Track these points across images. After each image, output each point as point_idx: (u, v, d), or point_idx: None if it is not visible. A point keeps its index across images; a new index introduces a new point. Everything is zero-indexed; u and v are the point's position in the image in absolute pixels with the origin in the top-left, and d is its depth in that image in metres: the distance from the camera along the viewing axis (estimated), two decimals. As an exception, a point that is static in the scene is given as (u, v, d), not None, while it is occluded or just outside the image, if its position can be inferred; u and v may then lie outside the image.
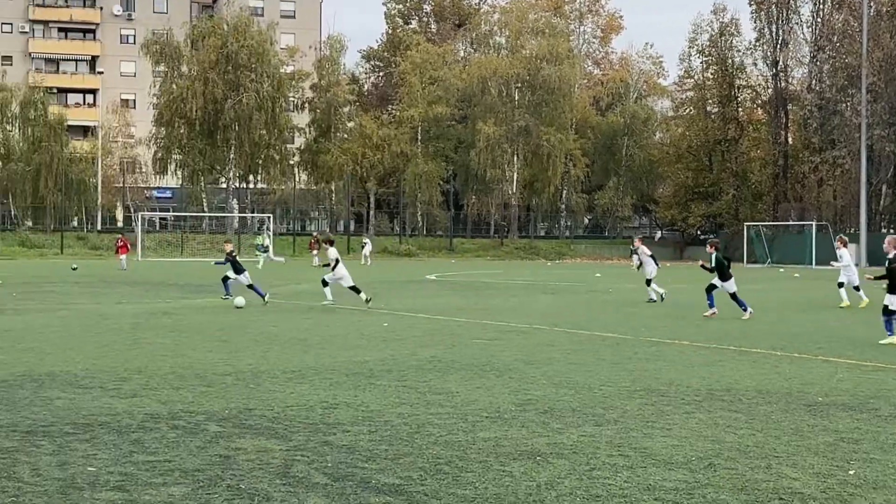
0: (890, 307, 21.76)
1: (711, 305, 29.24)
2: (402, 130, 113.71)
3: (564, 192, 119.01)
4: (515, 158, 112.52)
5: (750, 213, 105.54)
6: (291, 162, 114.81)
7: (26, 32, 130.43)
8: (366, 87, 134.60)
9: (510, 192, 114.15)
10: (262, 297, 32.96)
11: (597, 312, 30.42)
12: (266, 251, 71.75)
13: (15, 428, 11.61)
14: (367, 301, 31.47)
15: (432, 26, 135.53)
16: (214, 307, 31.25)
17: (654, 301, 35.20)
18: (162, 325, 24.99)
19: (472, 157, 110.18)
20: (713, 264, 29.75)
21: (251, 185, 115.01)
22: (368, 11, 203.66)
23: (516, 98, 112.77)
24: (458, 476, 9.37)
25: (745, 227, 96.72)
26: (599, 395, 14.14)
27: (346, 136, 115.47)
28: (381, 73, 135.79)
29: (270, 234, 74.72)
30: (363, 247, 75.96)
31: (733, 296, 29.30)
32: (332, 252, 32.83)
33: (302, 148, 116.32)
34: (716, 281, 29.53)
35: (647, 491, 8.89)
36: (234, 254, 35.14)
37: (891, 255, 21.96)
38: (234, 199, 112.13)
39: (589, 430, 11.60)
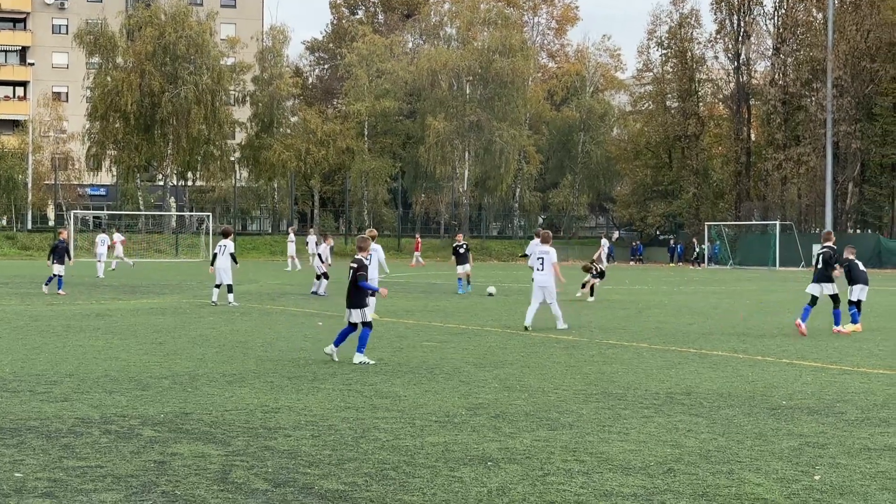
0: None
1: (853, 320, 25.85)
2: (347, 125, 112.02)
3: (517, 190, 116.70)
4: (466, 155, 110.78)
5: (711, 212, 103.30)
6: (232, 158, 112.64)
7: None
8: (310, 80, 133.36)
9: (461, 190, 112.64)
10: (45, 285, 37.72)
11: (551, 314, 29.47)
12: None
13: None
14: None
15: (379, 17, 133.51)
16: (150, 309, 31.06)
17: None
18: (95, 327, 24.89)
19: (422, 153, 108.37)
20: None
21: (189, 183, 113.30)
22: (313, 1, 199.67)
23: (467, 92, 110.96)
24: (405, 482, 9.21)
25: (706, 227, 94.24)
26: (553, 399, 14.05)
27: (289, 131, 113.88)
28: (325, 66, 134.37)
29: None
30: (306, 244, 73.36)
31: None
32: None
33: (243, 143, 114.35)
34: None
35: (604, 497, 8.72)
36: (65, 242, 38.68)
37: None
38: (172, 198, 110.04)
39: (543, 434, 11.48)
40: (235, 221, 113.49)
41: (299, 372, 16.63)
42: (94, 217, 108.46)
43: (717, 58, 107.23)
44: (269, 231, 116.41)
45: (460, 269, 41.54)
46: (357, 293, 18.23)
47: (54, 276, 38.08)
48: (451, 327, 25.39)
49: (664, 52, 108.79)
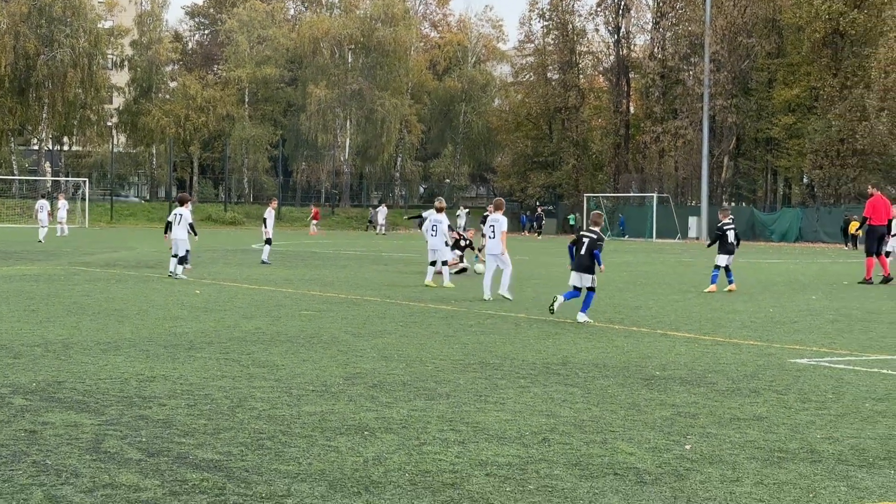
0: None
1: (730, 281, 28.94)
2: (228, 92, 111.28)
3: (399, 159, 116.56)
4: (348, 123, 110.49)
5: (590, 183, 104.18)
6: (109, 123, 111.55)
7: None
8: (190, 45, 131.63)
9: (342, 159, 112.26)
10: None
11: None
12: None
13: None
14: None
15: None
16: (23, 276, 30.28)
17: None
18: (-33, 294, 24.39)
19: (303, 121, 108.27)
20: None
21: (65, 147, 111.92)
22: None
23: (349, 60, 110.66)
24: (280, 451, 9.15)
25: (585, 198, 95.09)
26: (431, 369, 14.04)
27: (168, 96, 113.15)
28: (206, 31, 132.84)
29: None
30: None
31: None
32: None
33: (121, 108, 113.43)
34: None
35: (479, 466, 8.77)
36: None
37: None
38: (47, 162, 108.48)
39: (420, 404, 11.51)
40: (112, 187, 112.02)
41: (176, 340, 16.42)
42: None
43: (597, 30, 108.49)
44: (147, 197, 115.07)
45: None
46: (591, 260, 20.25)
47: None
48: (330, 296, 25.23)
49: (545, 23, 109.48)
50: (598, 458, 9.10)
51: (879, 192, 34.89)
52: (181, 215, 30.91)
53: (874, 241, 33.40)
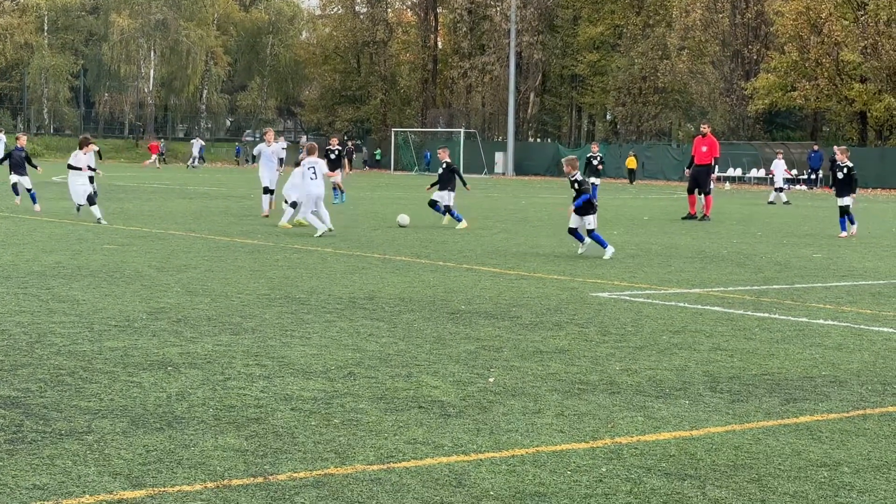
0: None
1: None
2: (26, 19, 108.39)
3: (205, 91, 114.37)
4: (152, 54, 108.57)
5: (398, 118, 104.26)
6: None
7: None
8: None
9: (146, 91, 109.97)
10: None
11: (236, 218, 30.07)
12: None
13: None
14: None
15: None
16: None
17: None
18: None
19: (105, 51, 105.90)
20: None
21: None
22: None
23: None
24: (81, 387, 9.01)
25: (392, 133, 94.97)
26: (237, 304, 13.97)
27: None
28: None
29: None
30: None
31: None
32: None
33: None
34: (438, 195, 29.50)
35: (284, 401, 8.75)
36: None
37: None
38: None
39: (225, 339, 11.45)
40: None
41: (-29, 276, 15.99)
42: None
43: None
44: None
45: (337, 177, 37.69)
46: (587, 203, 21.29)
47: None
48: (133, 230, 24.87)
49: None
50: (403, 392, 9.16)
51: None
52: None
53: (709, 179, 34.05)
